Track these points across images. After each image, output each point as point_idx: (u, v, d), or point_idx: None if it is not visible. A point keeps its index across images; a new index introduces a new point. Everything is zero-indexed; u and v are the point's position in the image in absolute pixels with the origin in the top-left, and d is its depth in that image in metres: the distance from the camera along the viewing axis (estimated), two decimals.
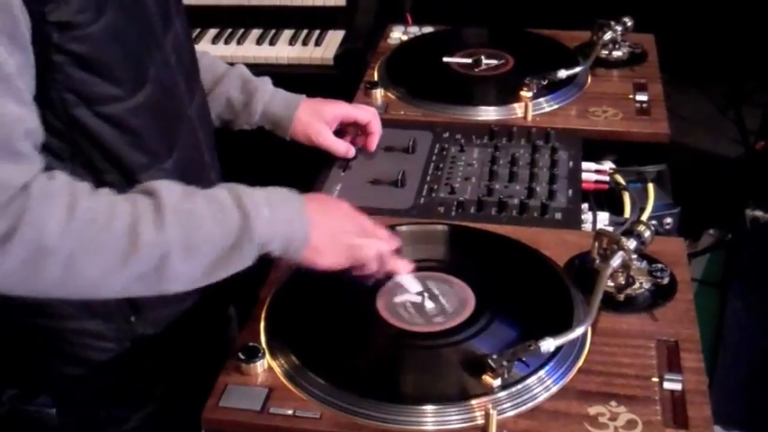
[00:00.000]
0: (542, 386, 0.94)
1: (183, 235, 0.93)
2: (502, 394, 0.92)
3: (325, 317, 1.06)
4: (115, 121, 1.01)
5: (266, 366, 0.99)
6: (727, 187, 1.60)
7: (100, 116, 1.00)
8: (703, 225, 1.65)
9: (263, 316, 1.06)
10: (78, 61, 0.95)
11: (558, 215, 1.24)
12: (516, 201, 1.26)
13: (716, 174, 1.78)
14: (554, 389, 0.94)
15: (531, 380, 0.94)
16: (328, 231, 1.04)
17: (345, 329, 1.04)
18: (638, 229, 1.09)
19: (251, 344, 1.00)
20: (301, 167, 1.34)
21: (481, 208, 1.26)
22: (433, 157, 1.39)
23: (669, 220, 1.33)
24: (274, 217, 0.98)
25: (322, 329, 1.04)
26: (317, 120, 1.36)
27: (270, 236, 0.98)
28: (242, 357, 0.99)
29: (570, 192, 1.29)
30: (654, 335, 1.01)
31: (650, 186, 1.36)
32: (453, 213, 1.26)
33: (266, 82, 1.37)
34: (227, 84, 1.34)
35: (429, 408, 0.92)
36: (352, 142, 1.39)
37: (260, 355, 0.99)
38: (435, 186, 1.32)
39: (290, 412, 0.94)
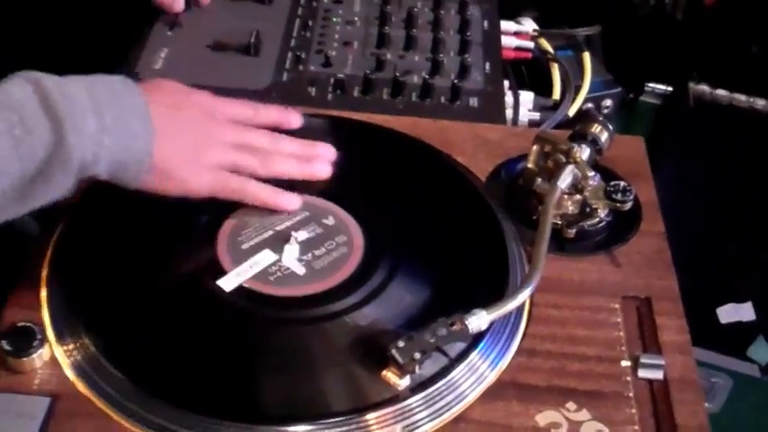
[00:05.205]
0: (470, 381, 0.64)
1: None
2: (412, 400, 0.62)
3: (139, 271, 0.70)
4: None
5: (49, 358, 0.64)
6: (662, 58, 1.30)
7: None
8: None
9: (45, 263, 0.70)
10: None
11: (474, 101, 0.91)
12: (417, 79, 0.92)
13: (651, 41, 1.43)
14: (486, 380, 0.64)
15: (455, 374, 0.63)
16: (184, 144, 0.70)
17: (164, 294, 0.69)
18: (592, 129, 0.78)
19: (22, 323, 0.64)
20: (107, 25, 0.94)
21: (369, 89, 0.90)
22: (299, 10, 1.01)
23: (609, 102, 1.02)
24: (103, 127, 0.64)
25: (132, 294, 0.68)
26: None
27: (95, 156, 0.64)
28: (7, 348, 0.63)
29: (488, 65, 0.95)
30: (618, 288, 0.72)
31: (586, 56, 1.04)
32: (330, 96, 0.90)
33: None
34: None
35: (292, 430, 0.60)
36: None
37: (37, 341, 0.64)
38: (303, 55, 0.94)
39: None
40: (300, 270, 0.70)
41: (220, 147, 0.73)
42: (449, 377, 0.63)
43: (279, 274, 0.69)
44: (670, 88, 1.40)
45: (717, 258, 1.32)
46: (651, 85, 1.49)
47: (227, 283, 0.68)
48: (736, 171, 1.21)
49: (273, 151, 0.75)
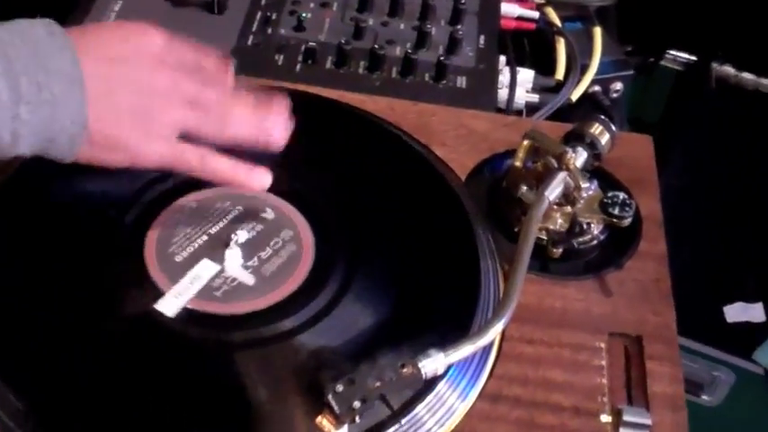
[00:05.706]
0: (437, 416, 0.55)
1: None
2: None
3: (54, 284, 0.60)
4: None
5: None
6: (685, 27, 1.17)
7: None
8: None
9: None
10: None
11: (462, 81, 0.80)
12: (399, 51, 0.80)
13: (670, 18, 1.29)
14: (456, 413, 0.55)
15: (411, 416, 0.54)
16: (129, 106, 0.57)
17: (82, 314, 0.58)
18: (591, 130, 0.67)
19: None
20: None
21: (343, 60, 0.80)
22: None
23: (618, 86, 0.91)
24: (19, 96, 0.52)
25: (46, 311, 0.58)
26: None
27: (14, 135, 0.53)
28: None
29: (482, 39, 0.84)
30: (605, 323, 0.62)
31: (597, 31, 0.92)
32: (299, 67, 0.79)
33: None
34: None
35: None
36: None
37: None
38: (273, 15, 0.83)
39: None
40: (249, 279, 0.60)
41: (174, 106, 0.58)
42: (413, 413, 0.54)
43: (225, 287, 0.60)
44: (693, 57, 1.29)
45: (729, 253, 1.21)
46: (672, 52, 1.37)
47: (167, 305, 0.58)
48: (757, 162, 1.10)
49: (230, 109, 0.60)
